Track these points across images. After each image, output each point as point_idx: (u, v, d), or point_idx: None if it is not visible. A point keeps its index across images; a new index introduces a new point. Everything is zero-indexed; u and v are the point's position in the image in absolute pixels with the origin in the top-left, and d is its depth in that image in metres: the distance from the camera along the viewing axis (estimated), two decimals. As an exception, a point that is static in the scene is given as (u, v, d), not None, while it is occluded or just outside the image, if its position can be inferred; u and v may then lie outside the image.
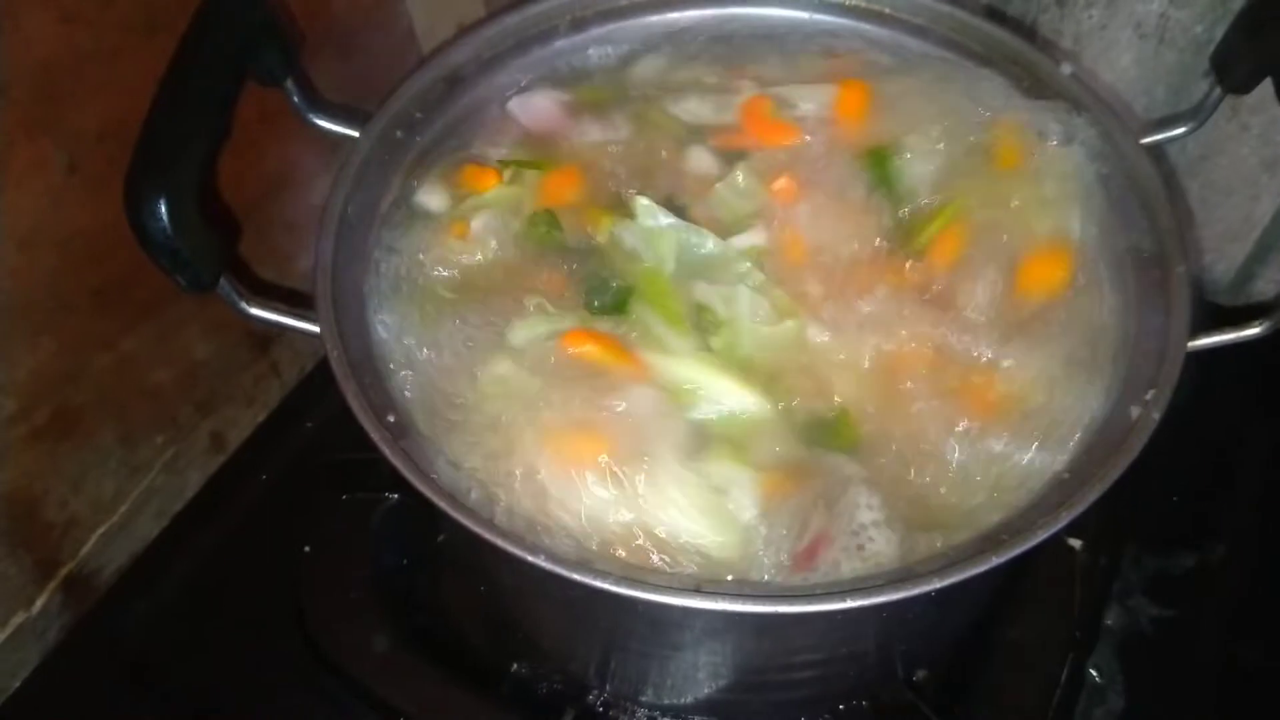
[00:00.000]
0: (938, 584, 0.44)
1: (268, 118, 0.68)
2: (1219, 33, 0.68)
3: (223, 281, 0.51)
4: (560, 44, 0.66)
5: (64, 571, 0.70)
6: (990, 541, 0.46)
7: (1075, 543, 0.70)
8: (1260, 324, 0.52)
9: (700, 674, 0.59)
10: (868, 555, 0.49)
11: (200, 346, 0.74)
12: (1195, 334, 0.52)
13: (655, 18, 0.67)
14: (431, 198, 0.62)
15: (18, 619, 0.68)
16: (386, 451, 0.47)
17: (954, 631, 0.66)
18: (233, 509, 0.76)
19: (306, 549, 0.69)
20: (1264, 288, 0.85)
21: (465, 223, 0.60)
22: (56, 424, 0.66)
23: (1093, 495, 0.46)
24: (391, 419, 0.50)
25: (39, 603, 0.69)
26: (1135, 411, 0.50)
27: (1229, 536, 0.74)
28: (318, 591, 0.68)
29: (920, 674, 0.65)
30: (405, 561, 0.70)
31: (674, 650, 0.57)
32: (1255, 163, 0.78)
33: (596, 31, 0.66)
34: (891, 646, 0.61)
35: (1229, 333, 0.52)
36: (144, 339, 0.69)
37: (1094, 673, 0.68)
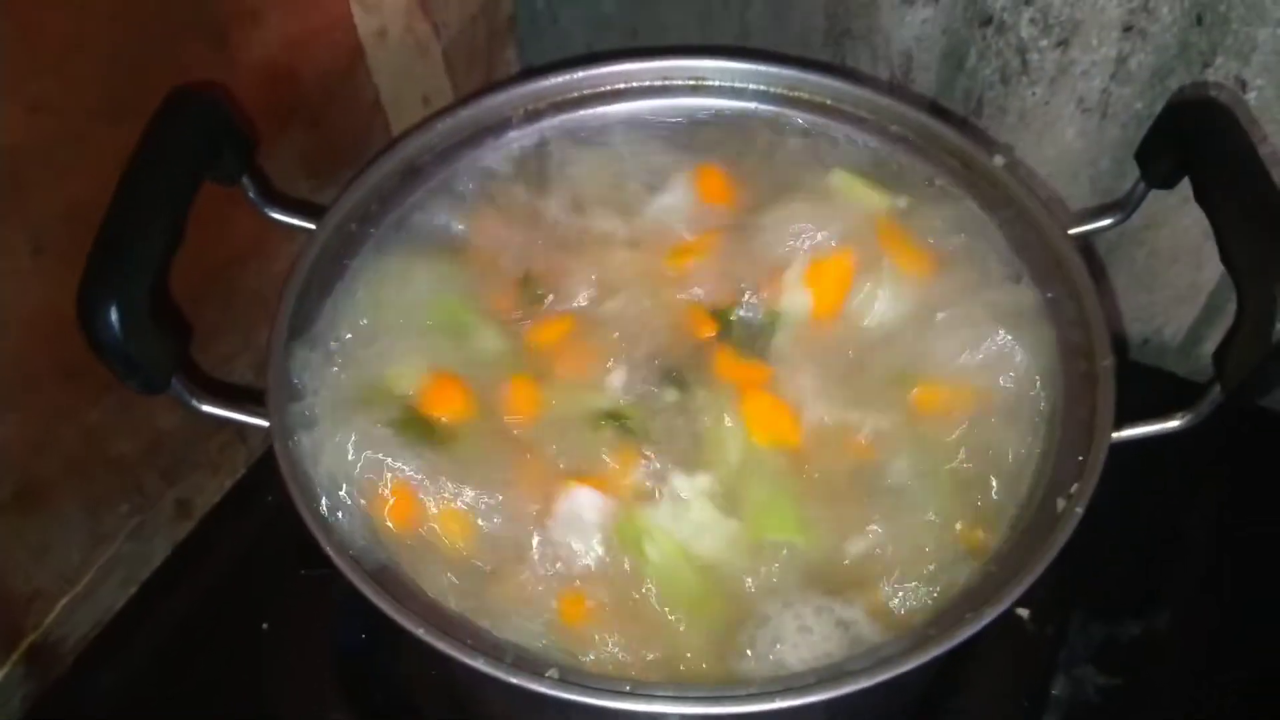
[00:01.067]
0: (865, 684, 0.46)
1: (230, 206, 0.70)
2: (1159, 108, 0.70)
3: (174, 382, 0.53)
4: (512, 134, 0.68)
5: (27, 642, 0.70)
6: (918, 638, 0.48)
7: (1023, 612, 0.71)
8: (1182, 417, 0.54)
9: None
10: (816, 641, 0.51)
11: (164, 415, 0.74)
12: (1120, 425, 0.54)
13: (608, 109, 0.69)
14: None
15: (-21, 692, 0.68)
16: (333, 555, 0.49)
17: (901, 710, 0.67)
18: (197, 579, 0.76)
19: (265, 625, 0.70)
20: (1212, 349, 0.87)
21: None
22: (21, 500, 0.66)
23: (1016, 592, 0.48)
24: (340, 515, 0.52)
25: (1, 674, 0.69)
26: (1060, 504, 0.52)
27: (1176, 604, 0.75)
28: (276, 668, 0.68)
29: (870, 748, 0.67)
30: (364, 637, 0.71)
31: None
32: (1198, 232, 0.80)
33: (549, 122, 0.68)
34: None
35: (1153, 425, 0.54)
36: (108, 410, 0.69)
37: (1042, 742, 0.69)
